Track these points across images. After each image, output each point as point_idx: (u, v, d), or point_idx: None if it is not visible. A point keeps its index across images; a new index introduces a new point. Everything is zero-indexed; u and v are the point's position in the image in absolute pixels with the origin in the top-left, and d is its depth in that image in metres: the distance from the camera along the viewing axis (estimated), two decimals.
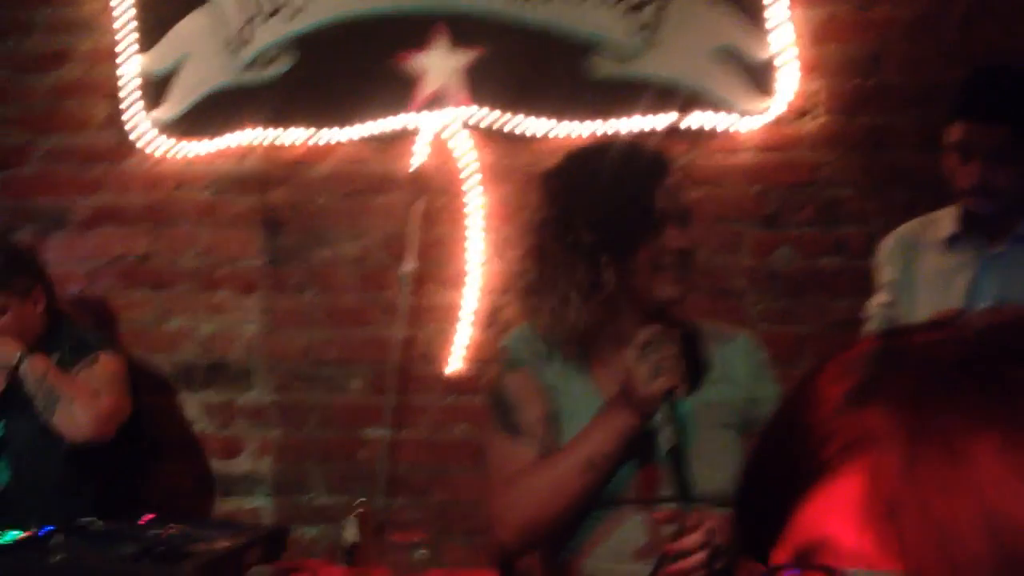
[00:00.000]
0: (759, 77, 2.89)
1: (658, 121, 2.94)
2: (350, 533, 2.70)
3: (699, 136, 2.95)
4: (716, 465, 1.73)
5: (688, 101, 2.91)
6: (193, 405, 3.27)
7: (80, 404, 2.63)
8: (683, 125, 2.93)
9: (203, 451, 3.27)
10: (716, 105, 2.91)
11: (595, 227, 1.77)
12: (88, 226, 3.30)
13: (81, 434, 2.63)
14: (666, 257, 1.81)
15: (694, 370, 1.77)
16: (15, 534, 2.34)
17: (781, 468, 0.53)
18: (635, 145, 2.04)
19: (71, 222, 3.31)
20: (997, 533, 0.46)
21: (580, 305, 1.77)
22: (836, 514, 0.49)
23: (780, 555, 0.52)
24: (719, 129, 2.94)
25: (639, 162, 1.88)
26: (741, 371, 1.87)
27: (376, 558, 2.68)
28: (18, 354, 2.64)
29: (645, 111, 2.93)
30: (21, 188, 3.38)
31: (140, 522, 2.52)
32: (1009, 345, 0.52)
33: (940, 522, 0.46)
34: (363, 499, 2.85)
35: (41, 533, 2.36)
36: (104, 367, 2.76)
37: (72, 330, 2.85)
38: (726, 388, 1.83)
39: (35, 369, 2.63)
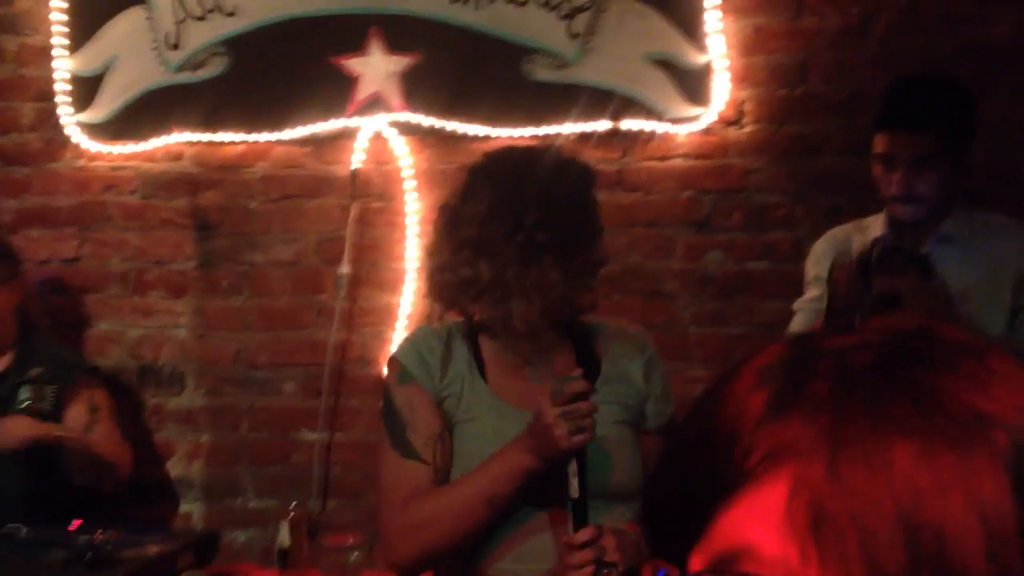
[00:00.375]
0: (692, 84, 2.93)
1: (593, 126, 2.98)
2: (283, 537, 2.70)
3: (632, 141, 3.00)
4: (611, 462, 1.78)
5: (622, 107, 2.95)
6: (123, 409, 3.22)
7: (117, 465, 2.71)
8: (618, 127, 2.97)
9: (135, 456, 3.22)
10: (649, 112, 2.95)
11: (545, 227, 1.75)
12: (15, 229, 3.24)
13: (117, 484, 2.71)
14: (595, 265, 1.84)
15: (589, 370, 1.80)
16: None
17: (700, 474, 0.53)
18: (571, 152, 2.05)
19: None
20: (918, 541, 0.47)
21: (532, 305, 1.75)
22: (758, 522, 0.49)
23: (697, 561, 0.52)
24: (652, 135, 2.98)
25: (580, 169, 1.89)
26: (634, 368, 1.88)
27: (310, 561, 2.67)
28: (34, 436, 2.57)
29: (580, 116, 2.96)
30: None
31: (69, 528, 2.49)
32: (919, 351, 0.53)
33: (862, 530, 0.47)
34: (296, 502, 2.85)
35: None
36: (108, 410, 2.82)
37: (47, 344, 2.82)
38: (620, 386, 1.86)
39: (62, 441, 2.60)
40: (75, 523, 2.51)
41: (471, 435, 1.80)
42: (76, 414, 2.74)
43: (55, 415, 2.72)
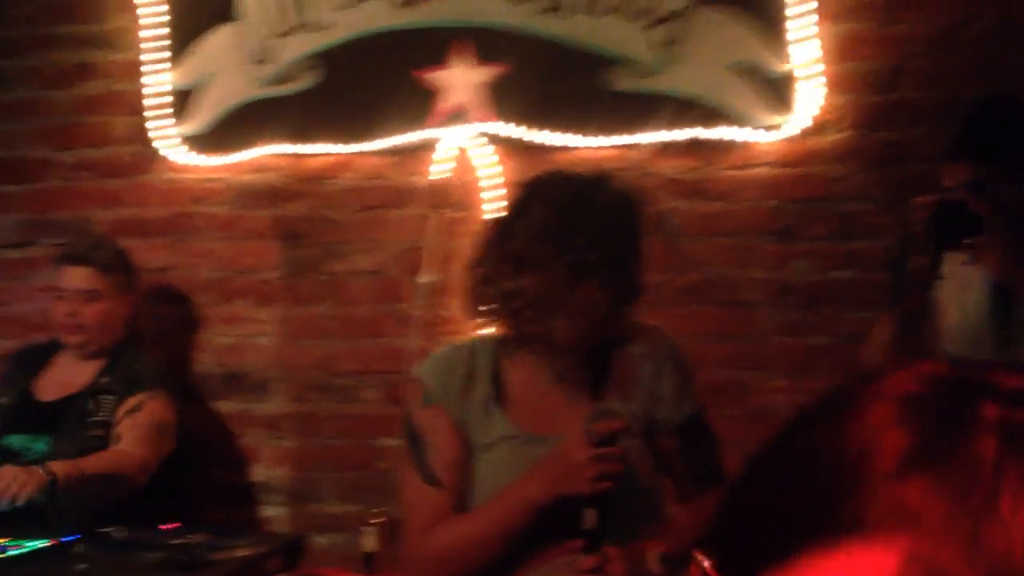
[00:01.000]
0: (778, 92, 2.91)
1: (674, 135, 2.97)
2: (369, 542, 2.72)
3: (714, 150, 2.98)
4: (635, 488, 1.76)
5: (707, 116, 2.94)
6: (210, 415, 3.29)
7: (122, 476, 2.63)
8: (701, 139, 2.96)
9: (220, 461, 3.28)
10: (732, 120, 2.93)
11: (596, 249, 1.75)
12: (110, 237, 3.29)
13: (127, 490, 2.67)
14: (636, 294, 1.87)
15: (604, 381, 1.82)
16: (39, 543, 2.34)
17: (797, 502, 0.46)
18: (619, 180, 1.97)
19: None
20: None
21: (575, 324, 1.75)
22: None
23: None
24: (734, 143, 2.97)
25: (632, 199, 1.90)
26: (658, 381, 1.85)
27: (393, 567, 2.69)
28: (47, 481, 2.47)
29: (662, 126, 2.96)
30: (43, 202, 3.41)
31: (162, 530, 2.53)
32: None
33: None
34: (380, 508, 2.88)
35: (64, 541, 2.37)
36: (149, 416, 2.77)
37: (133, 359, 2.87)
38: (639, 398, 1.83)
39: (69, 480, 2.50)
40: (168, 525, 2.56)
41: (488, 463, 1.81)
42: (123, 428, 2.73)
43: (107, 426, 2.74)
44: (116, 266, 2.89)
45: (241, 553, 2.35)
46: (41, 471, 2.42)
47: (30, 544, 2.33)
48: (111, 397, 2.77)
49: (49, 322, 2.92)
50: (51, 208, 3.40)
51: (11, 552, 2.21)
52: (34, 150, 3.41)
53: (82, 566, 2.21)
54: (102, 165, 3.36)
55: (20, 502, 2.33)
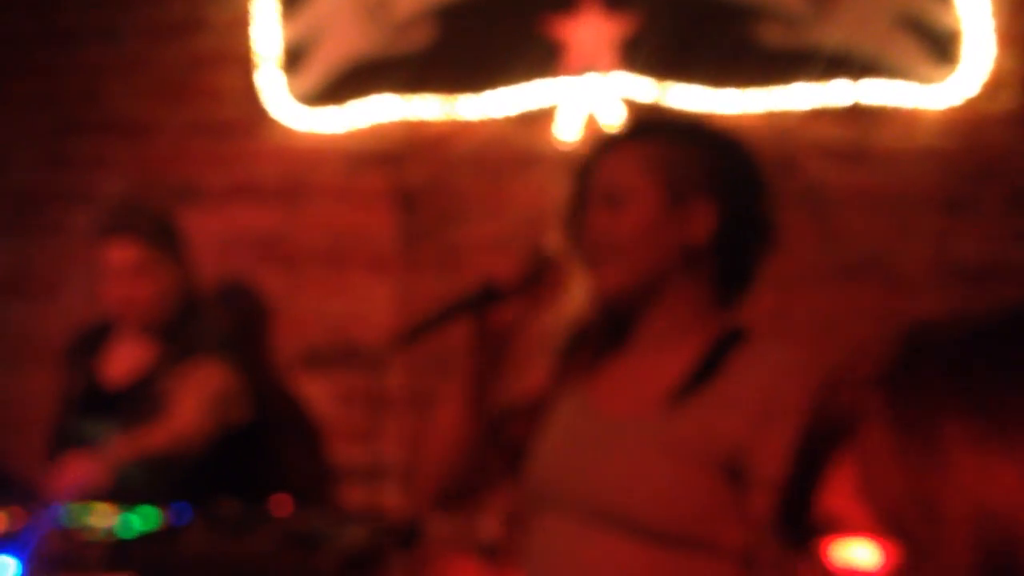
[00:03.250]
0: (944, 49, 2.67)
1: (829, 94, 2.75)
2: (488, 525, 2.62)
3: (875, 115, 2.77)
4: (646, 490, 1.45)
5: (863, 73, 2.71)
6: (321, 388, 3.20)
7: (178, 442, 2.52)
8: (857, 100, 2.74)
9: (330, 436, 3.19)
10: (895, 79, 2.70)
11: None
12: (220, 201, 3.26)
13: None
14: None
15: (698, 378, 1.48)
16: (150, 513, 2.28)
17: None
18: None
19: (203, 197, 3.26)
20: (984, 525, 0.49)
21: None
22: (838, 493, 0.55)
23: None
24: (898, 106, 2.74)
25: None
26: (752, 395, 1.46)
27: (514, 550, 2.58)
28: (109, 469, 2.42)
29: (814, 85, 2.74)
30: (151, 163, 3.34)
31: (273, 509, 2.46)
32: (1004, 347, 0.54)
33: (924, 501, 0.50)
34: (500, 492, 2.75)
35: (175, 514, 2.30)
36: (202, 381, 2.61)
37: (195, 326, 2.73)
38: (718, 412, 1.46)
39: (124, 457, 2.44)
40: (278, 503, 2.48)
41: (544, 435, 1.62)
42: (175, 395, 2.59)
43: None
44: (160, 233, 2.69)
45: (357, 533, 2.28)
46: (97, 461, 2.37)
47: (140, 517, 2.27)
48: (171, 365, 2.65)
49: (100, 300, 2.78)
50: (160, 170, 3.33)
51: (120, 536, 2.14)
52: (142, 109, 3.35)
53: (195, 550, 2.13)
54: (212, 126, 3.29)
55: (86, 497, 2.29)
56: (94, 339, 2.81)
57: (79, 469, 2.35)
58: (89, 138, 3.39)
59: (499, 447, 1.67)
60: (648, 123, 1.76)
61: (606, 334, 1.62)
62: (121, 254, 2.63)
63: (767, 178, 1.61)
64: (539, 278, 1.56)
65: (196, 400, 2.58)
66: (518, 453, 1.64)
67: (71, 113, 3.40)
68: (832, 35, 2.73)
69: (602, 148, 1.64)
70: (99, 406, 2.68)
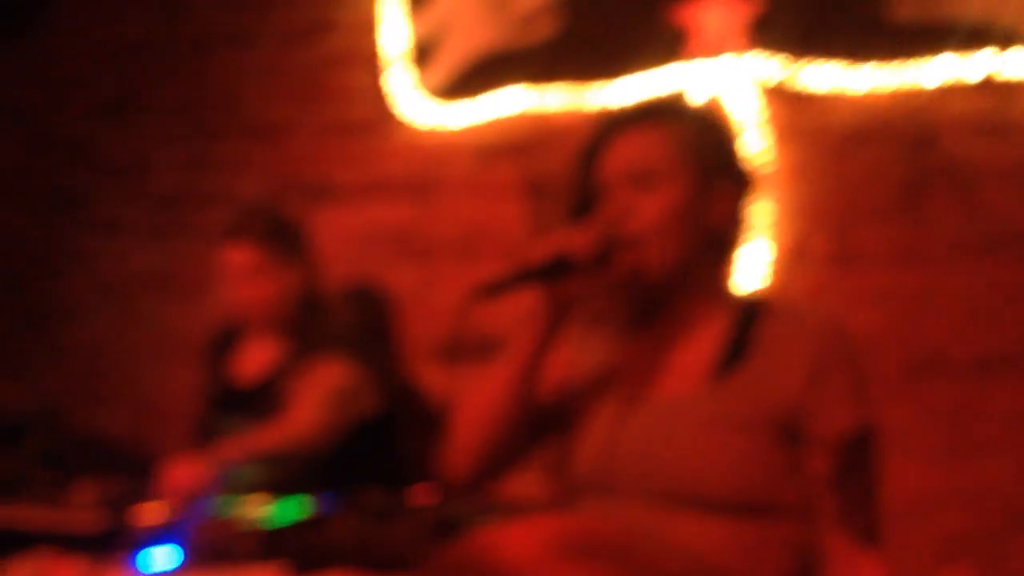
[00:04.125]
0: None
1: (966, 68, 2.67)
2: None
3: (1014, 86, 2.67)
4: (704, 464, 1.44)
5: (1002, 45, 2.62)
6: (455, 380, 3.22)
7: (291, 446, 2.52)
8: (995, 72, 2.65)
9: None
10: None
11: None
12: (354, 199, 3.32)
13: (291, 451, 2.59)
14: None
15: (735, 351, 1.48)
16: (300, 502, 2.34)
17: None
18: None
19: (337, 195, 3.34)
20: None
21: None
22: None
23: None
24: None
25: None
26: (795, 360, 1.47)
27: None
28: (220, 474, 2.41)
29: (951, 59, 2.67)
30: (289, 162, 3.43)
31: (416, 498, 2.49)
32: None
33: None
34: None
35: (322, 502, 2.36)
36: (322, 378, 2.61)
37: (320, 324, 2.77)
38: (765, 381, 1.47)
39: (234, 458, 2.46)
40: (418, 493, 2.51)
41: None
42: (296, 394, 2.60)
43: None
44: (276, 234, 2.68)
45: (493, 521, 2.28)
46: (206, 462, 2.38)
47: (287, 515, 2.33)
48: (292, 365, 2.70)
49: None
50: (296, 170, 3.42)
51: (271, 525, 2.20)
52: (277, 111, 3.44)
53: (343, 538, 2.18)
54: (345, 125, 3.36)
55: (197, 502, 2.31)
56: (227, 339, 2.90)
57: (188, 470, 2.37)
58: (228, 141, 3.50)
59: (538, 424, 1.64)
60: (659, 105, 1.70)
61: (638, 316, 1.61)
62: (237, 257, 2.68)
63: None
64: (609, 256, 1.51)
65: (313, 398, 2.61)
66: (548, 435, 1.64)
67: (210, 117, 3.52)
68: (969, 7, 2.64)
69: (613, 128, 1.59)
70: (232, 404, 2.75)
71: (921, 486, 2.69)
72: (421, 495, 2.52)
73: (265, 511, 2.25)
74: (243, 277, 2.68)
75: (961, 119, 2.74)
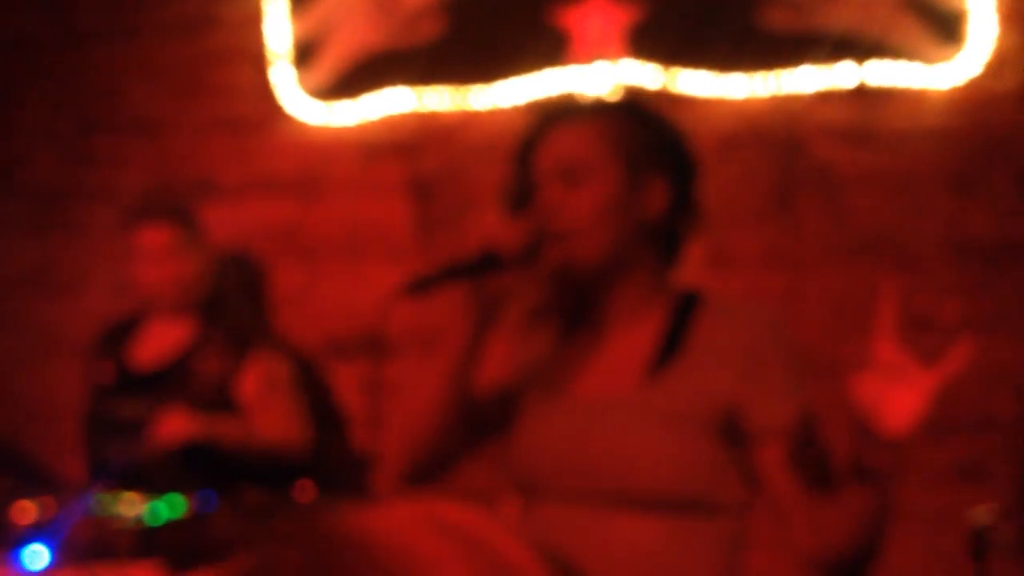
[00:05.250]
0: (950, 29, 2.68)
1: (836, 76, 2.77)
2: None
3: (881, 95, 2.78)
4: (641, 459, 1.44)
5: (870, 55, 2.73)
6: (343, 377, 3.23)
7: (288, 443, 2.69)
8: (864, 81, 2.76)
9: (354, 424, 3.23)
10: (901, 60, 2.72)
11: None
12: (237, 196, 3.30)
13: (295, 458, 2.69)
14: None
15: (671, 344, 1.50)
16: (176, 500, 2.33)
17: None
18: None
19: (221, 192, 3.30)
20: None
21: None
22: None
23: None
24: (904, 86, 2.75)
25: None
26: (732, 352, 1.48)
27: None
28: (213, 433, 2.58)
29: (820, 68, 2.76)
30: (171, 158, 3.39)
31: (297, 495, 2.50)
32: None
33: None
34: None
35: (201, 501, 2.35)
36: (284, 383, 2.77)
37: (234, 315, 2.84)
38: (701, 373, 1.48)
39: (225, 433, 2.61)
40: (305, 487, 2.54)
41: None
42: (250, 382, 2.72)
43: (220, 382, 2.73)
44: (184, 215, 2.82)
45: None
46: (197, 418, 2.54)
47: (166, 506, 2.32)
48: (218, 353, 2.75)
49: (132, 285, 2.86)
50: (177, 167, 3.37)
51: (148, 523, 2.19)
52: (158, 106, 3.39)
53: (220, 534, 2.18)
54: (230, 121, 3.32)
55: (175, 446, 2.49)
56: (123, 330, 2.91)
57: (179, 420, 2.52)
58: (108, 136, 3.44)
59: (472, 424, 1.63)
60: (592, 102, 1.73)
61: (572, 312, 1.62)
62: (153, 236, 2.76)
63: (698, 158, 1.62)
64: (539, 251, 1.50)
65: (282, 402, 2.74)
66: (488, 432, 1.64)
67: (90, 112, 3.46)
68: (838, 18, 2.74)
69: (546, 124, 1.60)
70: (134, 387, 2.77)
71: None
72: (302, 493, 2.53)
73: (142, 509, 2.24)
74: (156, 257, 2.76)
75: (830, 126, 2.83)
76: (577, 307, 1.60)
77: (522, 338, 1.66)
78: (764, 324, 1.50)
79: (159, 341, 2.82)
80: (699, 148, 2.83)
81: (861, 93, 2.78)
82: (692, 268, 2.89)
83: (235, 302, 2.94)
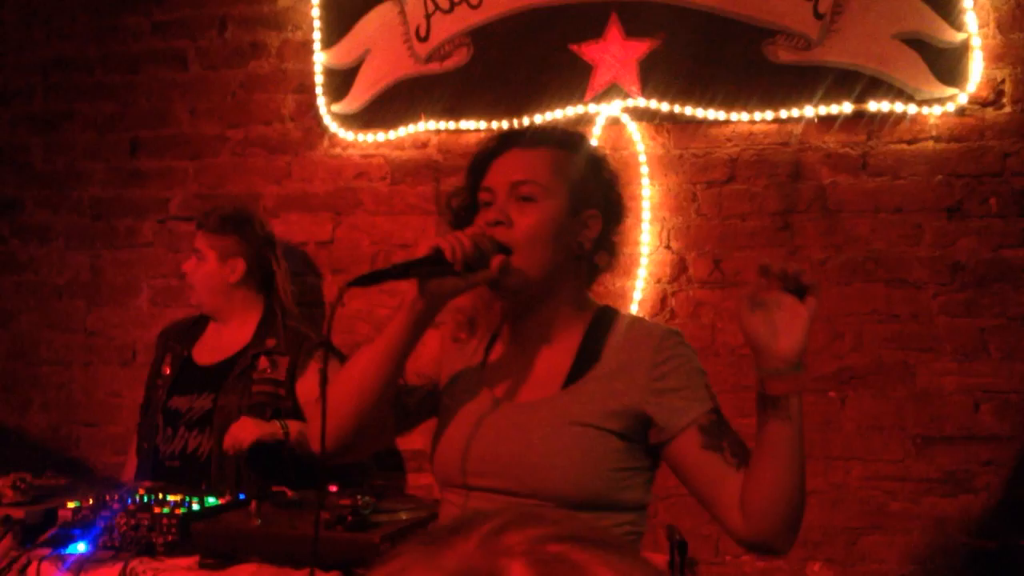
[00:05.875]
0: (945, 64, 2.79)
1: (836, 109, 2.88)
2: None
3: (879, 124, 2.88)
4: (557, 463, 1.58)
5: (868, 88, 2.84)
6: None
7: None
8: (864, 112, 2.86)
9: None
10: (898, 93, 2.82)
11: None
12: (276, 212, 3.43)
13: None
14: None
15: (589, 356, 1.64)
16: (214, 499, 2.45)
17: None
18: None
19: (261, 208, 3.42)
20: None
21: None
22: None
23: None
24: (901, 117, 2.86)
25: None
26: (638, 364, 1.62)
27: None
28: (282, 434, 2.73)
29: (823, 99, 2.87)
30: (214, 176, 3.53)
31: (329, 492, 2.59)
32: None
33: None
34: None
35: (235, 497, 2.47)
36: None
37: (285, 319, 2.97)
38: (610, 384, 1.62)
39: (299, 437, 2.74)
40: (333, 487, 2.63)
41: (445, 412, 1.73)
42: (309, 384, 2.85)
43: (288, 384, 2.85)
44: (242, 225, 2.96)
45: (403, 516, 2.40)
46: (278, 424, 2.68)
47: (210, 500, 2.43)
48: (285, 357, 2.87)
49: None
50: (221, 183, 3.52)
51: (195, 507, 2.30)
52: (206, 127, 3.53)
53: (259, 522, 2.28)
54: (271, 141, 3.46)
55: (244, 448, 2.64)
56: (188, 327, 3.08)
57: (248, 426, 2.67)
58: (156, 156, 3.58)
59: (404, 409, 1.75)
60: (551, 132, 1.84)
61: (510, 322, 1.73)
62: (210, 245, 2.93)
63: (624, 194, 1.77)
64: (482, 261, 1.59)
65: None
66: (412, 421, 1.76)
67: (139, 133, 3.59)
68: (840, 52, 2.85)
69: (505, 143, 1.71)
70: (194, 381, 2.93)
71: None
72: (327, 491, 2.64)
73: (182, 504, 2.34)
74: (214, 263, 2.90)
75: (831, 151, 2.92)
76: (516, 317, 1.72)
77: (454, 340, 1.78)
78: (668, 341, 1.64)
79: (222, 339, 2.98)
80: (706, 176, 2.93)
81: (860, 121, 2.88)
82: (694, 287, 3.00)
83: (293, 307, 3.06)
